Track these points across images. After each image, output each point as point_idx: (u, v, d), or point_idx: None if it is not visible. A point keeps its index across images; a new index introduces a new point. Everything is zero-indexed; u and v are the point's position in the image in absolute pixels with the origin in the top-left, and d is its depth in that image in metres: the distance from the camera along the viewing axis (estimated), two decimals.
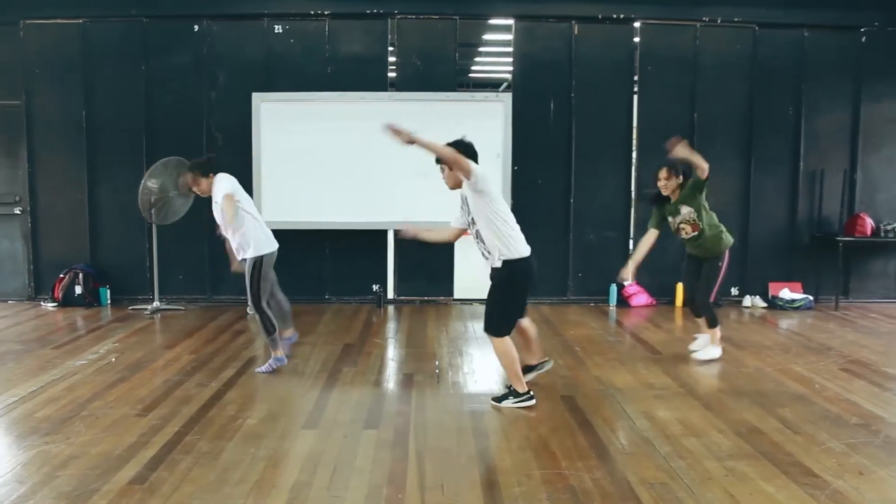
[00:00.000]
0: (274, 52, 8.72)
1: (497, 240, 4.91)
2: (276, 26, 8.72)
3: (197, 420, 4.70)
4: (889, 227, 8.98)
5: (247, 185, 8.37)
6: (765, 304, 8.97)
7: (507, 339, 5.02)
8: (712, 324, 6.39)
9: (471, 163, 4.82)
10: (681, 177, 6.16)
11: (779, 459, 4.14)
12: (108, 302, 8.63)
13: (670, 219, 6.30)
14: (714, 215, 6.28)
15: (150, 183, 8.03)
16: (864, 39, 9.09)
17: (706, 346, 6.46)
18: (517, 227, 5.01)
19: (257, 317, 5.94)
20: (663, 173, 6.19)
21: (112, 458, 4.04)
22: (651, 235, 6.37)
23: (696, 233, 6.20)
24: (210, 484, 3.74)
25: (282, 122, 8.46)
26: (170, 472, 3.86)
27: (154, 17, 8.66)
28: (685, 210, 6.17)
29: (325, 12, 8.68)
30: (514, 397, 5.06)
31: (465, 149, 4.93)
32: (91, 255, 8.82)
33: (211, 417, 4.76)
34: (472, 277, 10.26)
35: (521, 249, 4.96)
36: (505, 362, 5.07)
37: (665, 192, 6.24)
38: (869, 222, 8.96)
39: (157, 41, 8.69)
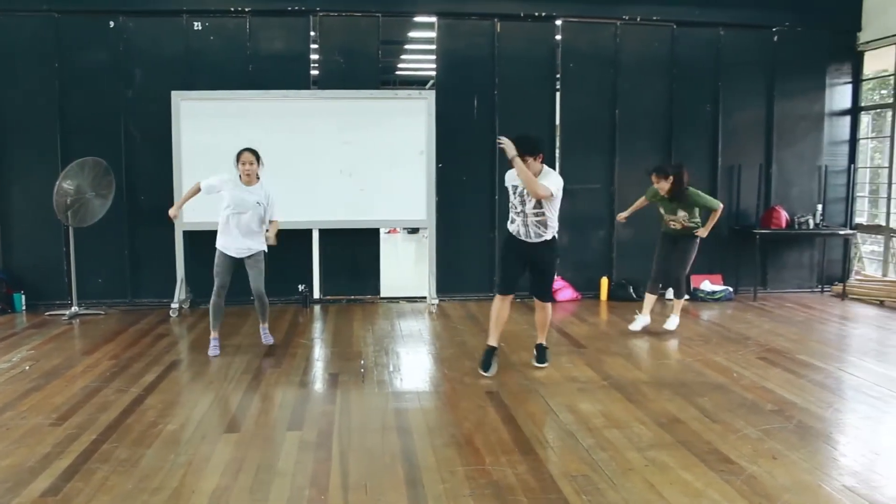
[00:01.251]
0: (193, 50, 8.54)
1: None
2: (196, 23, 8.54)
3: (115, 427, 4.58)
4: (802, 220, 9.31)
5: (167, 185, 8.25)
6: (687, 297, 9.16)
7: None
8: (680, 295, 7.50)
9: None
10: (671, 178, 6.98)
11: (697, 448, 4.25)
12: (23, 308, 8.32)
13: (664, 212, 7.24)
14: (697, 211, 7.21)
15: (66, 184, 7.79)
16: (776, 39, 9.40)
17: (672, 318, 7.40)
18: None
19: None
20: (653, 178, 7.09)
21: (24, 470, 3.90)
22: (643, 201, 7.47)
23: (681, 228, 7.18)
24: (127, 492, 3.66)
25: (202, 120, 8.28)
26: (85, 483, 3.75)
27: (67, 13, 8.37)
28: (681, 214, 7.10)
29: (246, 9, 8.54)
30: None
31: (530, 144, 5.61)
32: (3, 259, 8.50)
33: (130, 424, 4.65)
34: (397, 276, 10.24)
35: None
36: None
37: (662, 193, 7.08)
38: (784, 215, 9.27)
39: (71, 37, 8.41)
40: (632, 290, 9.02)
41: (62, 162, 8.17)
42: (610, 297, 9.13)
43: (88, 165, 7.91)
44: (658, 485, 3.76)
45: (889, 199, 9.42)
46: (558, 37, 9.13)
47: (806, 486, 3.74)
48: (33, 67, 8.38)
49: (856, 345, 7.15)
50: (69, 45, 8.41)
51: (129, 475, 3.86)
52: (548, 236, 5.79)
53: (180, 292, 8.26)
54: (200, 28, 8.55)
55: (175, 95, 8.26)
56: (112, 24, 8.43)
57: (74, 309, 8.04)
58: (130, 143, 8.52)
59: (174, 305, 8.12)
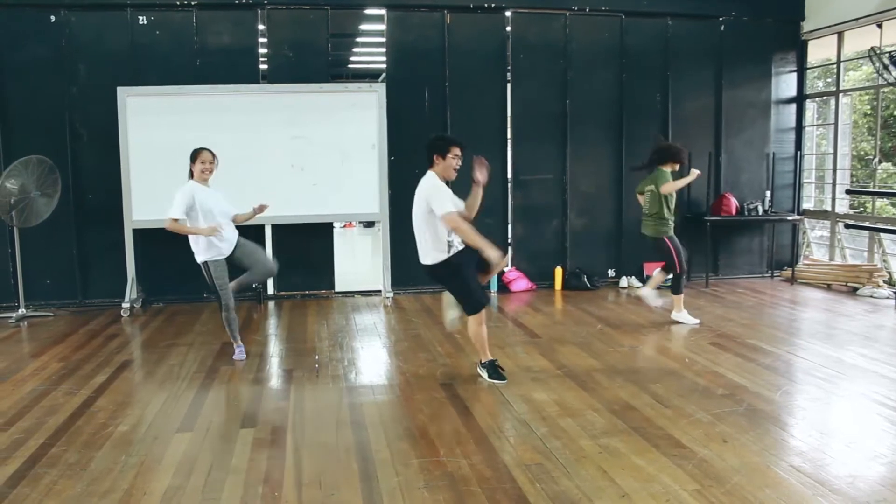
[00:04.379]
0: (139, 45, 8.37)
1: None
2: (141, 17, 8.38)
3: (64, 430, 4.49)
4: (752, 206, 9.47)
5: (115, 182, 8.10)
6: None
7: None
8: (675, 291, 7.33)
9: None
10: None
11: (650, 434, 4.30)
12: None
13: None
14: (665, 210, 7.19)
15: (9, 184, 7.60)
16: (722, 28, 9.52)
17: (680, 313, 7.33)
18: None
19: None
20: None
21: None
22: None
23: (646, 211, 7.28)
24: (76, 496, 3.59)
25: (150, 116, 8.13)
26: (32, 488, 3.67)
27: (4, 6, 8.13)
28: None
29: (192, 2, 8.41)
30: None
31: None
32: None
33: (79, 427, 4.56)
34: (353, 270, 10.19)
35: None
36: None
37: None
38: (734, 202, 9.43)
39: (10, 31, 8.17)
40: (585, 280, 9.09)
41: (5, 161, 7.98)
42: (564, 286, 9.19)
43: (32, 164, 7.73)
44: (611, 471, 3.79)
45: (834, 185, 9.62)
46: (508, 28, 9.15)
47: (755, 468, 3.80)
48: None
49: (804, 328, 7.28)
50: (8, 40, 8.18)
51: (77, 478, 3.78)
52: (428, 260, 5.52)
53: (131, 291, 8.12)
54: (145, 22, 8.39)
55: (121, 91, 8.09)
56: (53, 18, 8.23)
57: (22, 311, 7.87)
58: (76, 141, 8.35)
59: (125, 305, 7.98)
